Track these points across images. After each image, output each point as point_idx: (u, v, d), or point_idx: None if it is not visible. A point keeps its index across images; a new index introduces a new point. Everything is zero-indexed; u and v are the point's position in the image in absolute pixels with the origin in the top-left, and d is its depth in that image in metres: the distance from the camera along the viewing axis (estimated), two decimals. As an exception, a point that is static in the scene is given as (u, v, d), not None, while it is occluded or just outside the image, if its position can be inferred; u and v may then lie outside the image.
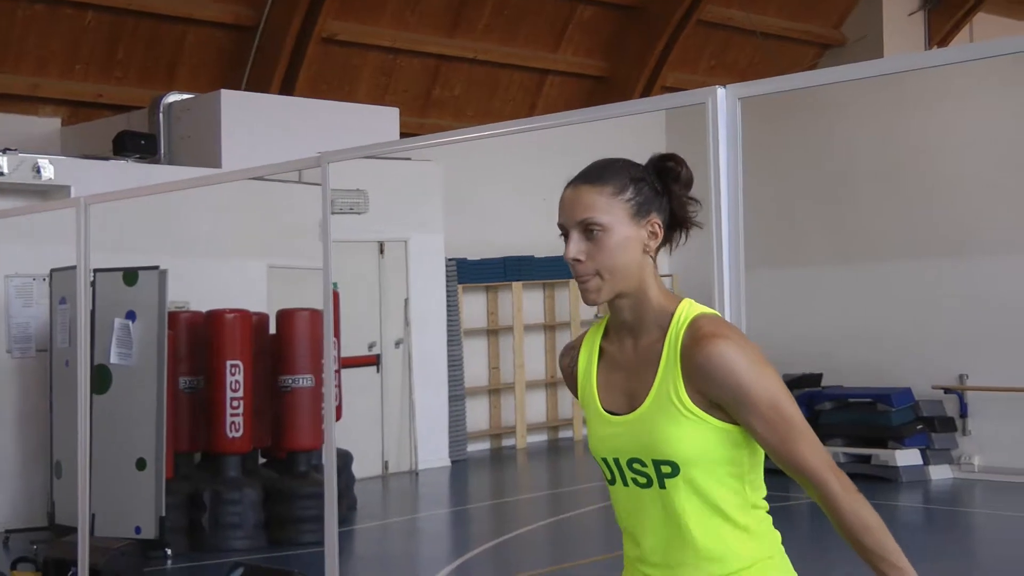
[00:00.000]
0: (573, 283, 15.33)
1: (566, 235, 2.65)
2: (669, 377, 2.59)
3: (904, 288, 12.94)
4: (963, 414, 12.29)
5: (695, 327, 2.59)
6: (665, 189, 2.67)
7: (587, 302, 2.67)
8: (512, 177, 14.81)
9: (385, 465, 12.86)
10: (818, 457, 2.54)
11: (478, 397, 14.68)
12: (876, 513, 2.54)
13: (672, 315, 2.63)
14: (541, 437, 15.30)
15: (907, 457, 11.87)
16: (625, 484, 2.69)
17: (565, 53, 16.23)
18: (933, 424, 12.09)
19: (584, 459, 14.69)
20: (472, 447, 14.19)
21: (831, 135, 13.96)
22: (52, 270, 9.70)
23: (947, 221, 12.76)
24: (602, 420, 2.69)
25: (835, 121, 13.84)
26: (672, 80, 16.73)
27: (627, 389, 2.67)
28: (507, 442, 14.90)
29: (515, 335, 14.80)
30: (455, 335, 13.77)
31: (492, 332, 14.93)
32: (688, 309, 2.64)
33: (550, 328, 15.47)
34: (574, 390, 2.83)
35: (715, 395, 2.55)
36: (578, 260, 2.62)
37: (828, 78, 4.34)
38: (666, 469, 2.59)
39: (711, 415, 2.56)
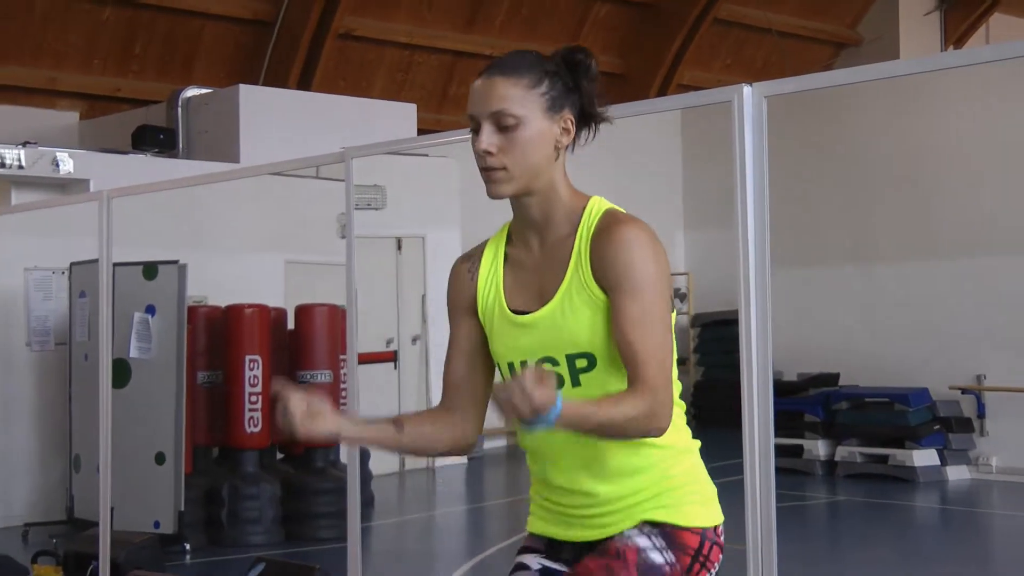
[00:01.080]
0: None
1: (476, 127, 2.59)
2: (581, 267, 2.54)
3: (922, 288, 12.92)
4: (980, 414, 12.25)
5: (609, 215, 2.57)
6: (576, 84, 2.61)
7: (492, 195, 2.60)
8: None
9: (402, 462, 12.86)
10: (656, 364, 2.43)
11: (494, 394, 14.66)
12: (620, 426, 2.40)
13: (583, 210, 2.59)
14: (556, 434, 15.28)
15: (924, 457, 11.84)
16: None
17: (582, 50, 16.21)
18: (950, 424, 12.05)
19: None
20: (488, 444, 14.19)
21: (848, 134, 13.94)
22: (72, 263, 9.72)
23: (965, 220, 12.73)
24: (509, 322, 2.63)
25: (852, 120, 13.81)
26: (688, 78, 16.71)
27: (536, 288, 2.61)
28: (523, 439, 14.87)
29: (531, 332, 14.77)
30: (472, 332, 13.75)
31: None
32: (599, 203, 2.61)
33: (566, 325, 15.44)
34: (465, 299, 2.72)
35: (605, 274, 2.50)
36: (489, 152, 2.56)
37: (854, 77, 4.34)
38: (581, 363, 2.54)
39: None
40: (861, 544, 9.39)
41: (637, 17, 16.36)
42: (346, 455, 6.99)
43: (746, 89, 4.02)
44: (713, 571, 2.63)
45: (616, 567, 2.55)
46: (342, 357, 9.73)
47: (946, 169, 13.05)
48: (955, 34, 18.18)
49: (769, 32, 16.87)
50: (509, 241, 2.72)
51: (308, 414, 2.63)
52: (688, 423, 2.73)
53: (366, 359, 11.55)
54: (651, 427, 2.43)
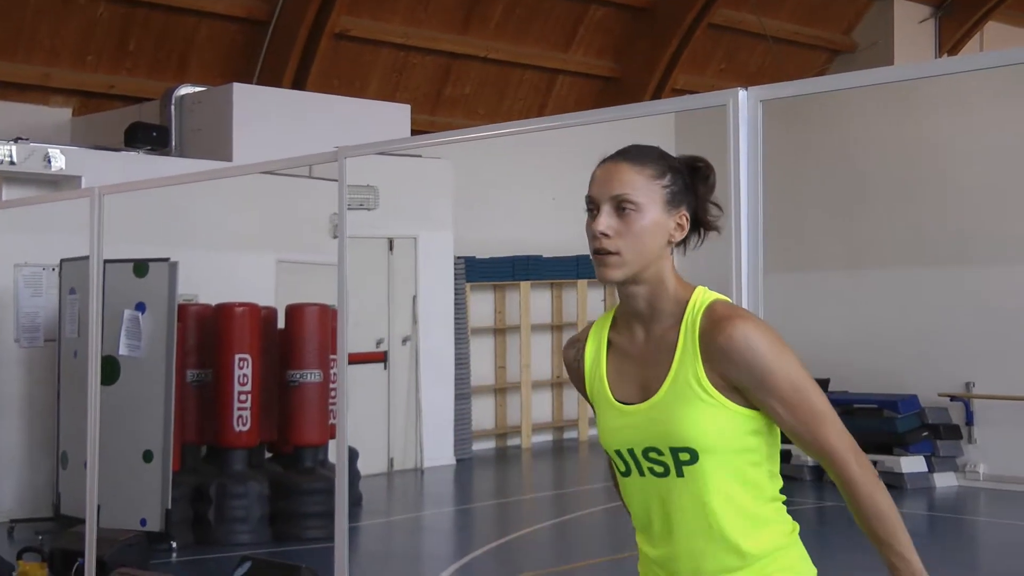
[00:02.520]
0: (581, 283, 15.39)
1: (595, 209, 2.60)
2: (687, 362, 2.55)
3: (912, 295, 12.93)
4: (969, 422, 12.27)
5: (712, 310, 2.57)
6: (692, 188, 2.65)
7: (604, 278, 2.61)
8: (522, 177, 14.81)
9: (390, 462, 12.85)
10: (840, 439, 2.53)
11: (484, 396, 14.67)
12: (892, 502, 2.52)
13: (687, 302, 2.61)
14: (546, 437, 15.29)
15: (912, 464, 11.86)
16: (641, 475, 2.64)
17: (576, 53, 16.22)
18: (939, 431, 12.07)
19: (589, 460, 14.68)
20: (477, 446, 14.19)
21: (842, 141, 13.95)
22: (62, 260, 9.70)
23: (956, 229, 12.75)
24: (615, 411, 2.65)
25: (846, 127, 13.82)
26: (682, 82, 16.73)
27: (640, 379, 2.63)
28: (512, 441, 14.90)
29: (522, 334, 14.78)
30: (462, 333, 13.77)
31: (499, 331, 14.93)
32: (703, 295, 2.62)
33: (557, 328, 15.46)
34: (580, 384, 2.78)
35: (735, 377, 2.52)
36: (605, 235, 2.56)
37: (850, 82, 4.34)
38: (684, 456, 2.55)
39: (730, 399, 2.53)
40: (849, 549, 9.38)
41: (632, 21, 16.37)
42: (334, 455, 6.98)
43: (742, 93, 4.02)
44: None
45: None
46: (332, 357, 9.72)
47: (938, 177, 13.06)
48: (950, 42, 18.21)
49: (764, 38, 16.88)
50: (614, 326, 2.74)
51: None
52: None
53: (356, 359, 11.54)
54: (872, 481, 2.53)
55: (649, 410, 2.58)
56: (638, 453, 2.62)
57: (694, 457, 2.54)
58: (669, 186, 2.60)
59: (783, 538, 2.62)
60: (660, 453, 2.58)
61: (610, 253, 2.57)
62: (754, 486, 2.58)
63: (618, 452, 2.66)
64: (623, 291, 2.65)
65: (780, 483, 2.66)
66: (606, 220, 2.57)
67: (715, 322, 2.54)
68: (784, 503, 2.67)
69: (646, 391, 2.60)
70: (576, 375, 2.79)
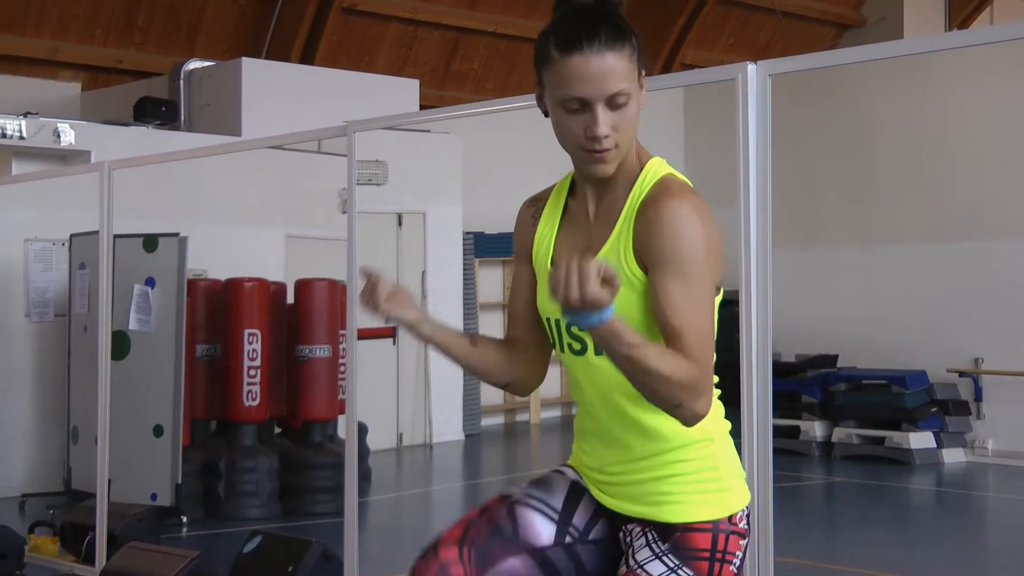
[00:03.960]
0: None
1: (581, 107, 2.38)
2: (623, 235, 2.42)
3: (921, 270, 12.92)
4: (978, 398, 12.27)
5: (662, 184, 2.43)
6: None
7: (602, 174, 2.45)
8: (531, 152, 14.75)
9: (400, 437, 12.88)
10: (701, 361, 2.28)
11: (492, 371, 14.67)
12: (676, 370, 2.26)
13: (640, 171, 2.46)
14: (555, 412, 15.31)
15: (921, 440, 11.86)
16: (561, 350, 2.55)
17: (585, 28, 16.17)
18: (947, 407, 12.07)
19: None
20: (486, 421, 14.21)
21: (851, 116, 13.92)
22: (72, 235, 9.71)
23: (966, 204, 12.73)
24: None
25: (855, 102, 13.78)
26: (691, 57, 16.67)
27: (584, 247, 2.49)
28: (521, 417, 14.91)
29: (530, 310, 14.77)
30: (471, 308, 13.78)
31: (508, 306, 14.92)
32: (658, 167, 2.48)
33: (565, 303, 15.45)
34: (525, 244, 2.65)
35: (647, 251, 2.36)
36: (606, 135, 2.39)
37: (859, 56, 4.32)
38: None
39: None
40: (857, 525, 9.41)
41: (641, -5, 16.32)
42: (344, 430, 6.99)
43: (751, 67, 4.01)
44: (736, 562, 2.49)
45: None
46: (341, 332, 9.73)
47: (948, 152, 13.03)
48: (959, 16, 18.11)
49: (773, 12, 16.82)
50: (571, 192, 2.61)
51: (394, 297, 2.61)
52: None
53: (365, 335, 11.53)
54: (686, 402, 2.27)
55: None
56: (562, 326, 2.51)
57: None
58: (635, 53, 2.40)
59: (705, 432, 2.46)
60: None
61: (609, 149, 2.41)
62: None
63: (547, 321, 2.56)
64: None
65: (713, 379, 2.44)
66: (606, 119, 2.38)
67: (657, 194, 2.40)
68: (719, 399, 2.50)
69: None
70: (526, 234, 2.66)
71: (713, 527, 2.48)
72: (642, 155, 2.50)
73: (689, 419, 2.32)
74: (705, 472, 2.49)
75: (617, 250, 2.42)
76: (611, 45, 2.35)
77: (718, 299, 2.44)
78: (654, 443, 2.48)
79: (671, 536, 2.48)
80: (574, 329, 2.46)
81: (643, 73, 2.44)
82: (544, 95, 2.48)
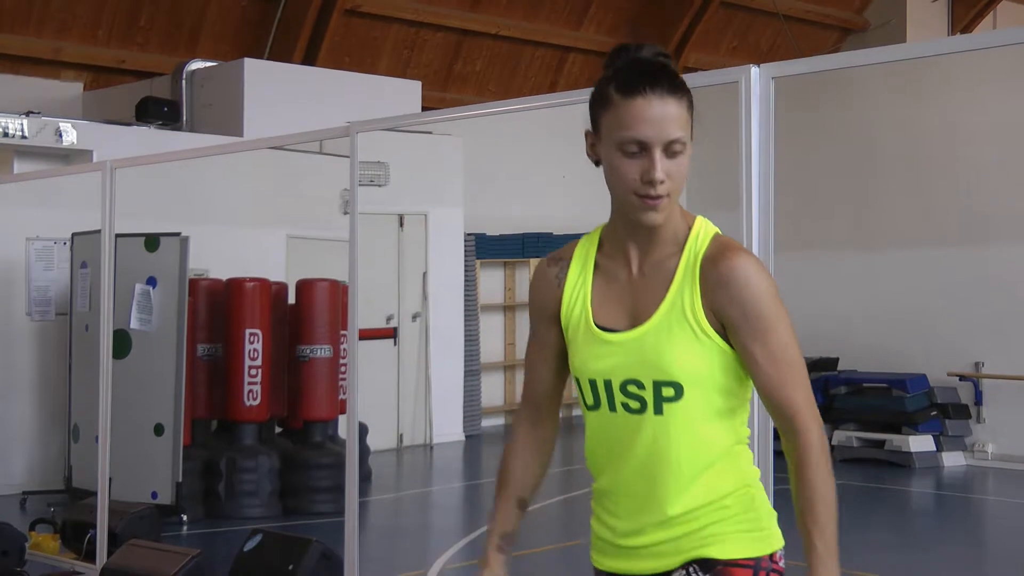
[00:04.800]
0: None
1: (645, 150, 2.40)
2: (684, 292, 2.43)
3: (922, 274, 12.93)
4: (978, 401, 12.28)
5: (720, 242, 2.46)
6: None
7: (652, 223, 2.44)
8: (532, 154, 14.80)
9: (400, 438, 12.89)
10: (809, 403, 2.44)
11: (493, 372, 14.70)
12: (834, 488, 2.44)
13: (690, 229, 2.48)
14: (554, 414, 15.30)
15: (920, 443, 11.87)
16: (612, 410, 2.52)
17: (587, 31, 16.18)
18: (947, 411, 12.09)
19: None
20: (486, 422, 14.22)
21: (853, 120, 13.92)
22: (74, 234, 9.72)
23: (967, 208, 12.73)
24: (595, 338, 2.51)
25: (856, 106, 13.79)
26: (693, 60, 16.69)
27: (627, 305, 2.49)
28: (521, 418, 14.90)
29: (531, 312, 14.79)
30: (472, 310, 13.79)
31: (509, 308, 14.94)
32: (707, 227, 2.50)
33: (566, 305, 15.47)
34: (548, 306, 2.62)
35: (728, 311, 2.40)
36: (662, 181, 2.40)
37: (862, 60, 4.33)
38: (668, 392, 2.43)
39: (721, 337, 2.42)
40: (857, 528, 9.42)
41: (644, -2, 16.34)
42: (345, 430, 7.00)
43: (754, 70, 4.02)
44: None
45: None
46: (342, 332, 9.75)
47: (949, 157, 13.04)
48: (963, 21, 18.14)
49: (776, 16, 16.83)
50: (601, 248, 2.58)
51: None
52: None
53: (366, 335, 11.56)
54: (827, 457, 2.45)
55: (636, 339, 2.46)
56: (615, 386, 2.50)
57: (679, 393, 2.43)
58: (691, 107, 2.46)
59: (745, 478, 2.54)
60: (641, 387, 2.46)
61: (663, 197, 2.42)
62: (728, 428, 2.49)
63: (592, 383, 2.54)
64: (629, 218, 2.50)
65: (747, 431, 2.57)
66: (663, 165, 2.40)
67: (721, 251, 2.43)
68: (748, 437, 2.59)
69: (635, 319, 2.48)
70: (548, 295, 2.62)
71: (755, 564, 2.51)
72: (686, 214, 2.53)
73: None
74: (746, 513, 2.53)
75: (681, 308, 2.44)
76: (673, 92, 2.41)
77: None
78: (701, 497, 2.50)
79: (713, 570, 2.49)
80: (632, 388, 2.48)
81: (691, 128, 2.48)
82: (598, 141, 2.50)
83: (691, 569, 2.50)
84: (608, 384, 2.51)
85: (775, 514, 2.59)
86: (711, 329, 2.43)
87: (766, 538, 2.53)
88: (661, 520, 2.50)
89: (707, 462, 2.47)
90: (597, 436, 2.57)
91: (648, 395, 2.46)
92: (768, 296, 2.41)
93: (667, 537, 2.50)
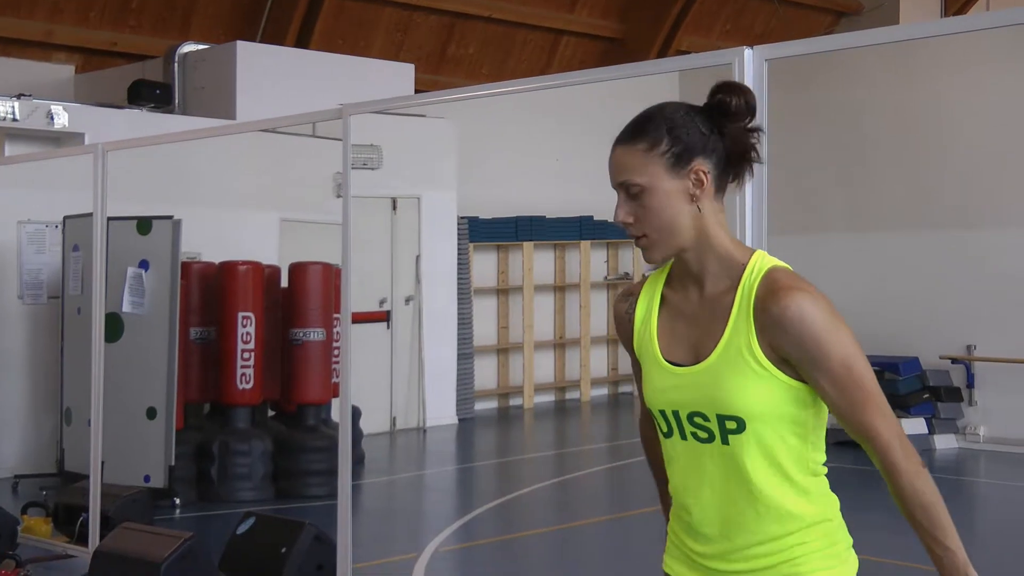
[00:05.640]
0: (584, 244, 15.39)
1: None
2: (741, 329, 2.47)
3: (914, 258, 12.93)
4: (970, 384, 12.30)
5: (771, 279, 2.48)
6: (716, 127, 2.52)
7: (648, 261, 2.58)
8: (526, 137, 14.79)
9: (393, 421, 12.90)
10: (886, 425, 2.48)
11: (486, 356, 14.71)
12: (936, 490, 2.48)
13: (745, 266, 2.51)
14: (548, 397, 15.34)
15: (913, 426, 11.89)
16: (683, 438, 2.58)
17: (580, 14, 16.15)
18: (939, 394, 12.11)
19: (591, 420, 14.73)
20: (480, 406, 14.23)
21: (846, 104, 13.90)
22: (65, 217, 9.70)
23: (959, 192, 12.73)
24: (662, 370, 2.58)
25: (850, 90, 13.77)
26: (687, 44, 16.65)
27: (691, 340, 2.55)
28: (514, 402, 14.94)
29: (524, 295, 14.80)
30: (465, 293, 13.78)
31: (502, 291, 14.94)
32: (762, 261, 2.52)
33: (560, 289, 15.48)
34: (627, 339, 2.71)
35: (787, 350, 2.44)
36: (627, 223, 2.54)
37: (855, 41, 4.32)
38: (731, 425, 2.49)
39: (781, 371, 2.46)
40: (849, 510, 9.42)
41: (637, -19, 16.29)
42: (338, 414, 7.00)
43: (747, 52, 4.01)
44: None
45: None
46: (335, 316, 9.74)
47: (941, 140, 13.03)
48: (956, 3, 18.10)
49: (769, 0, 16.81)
50: (669, 282, 2.66)
51: None
52: None
53: (359, 319, 11.51)
54: (916, 468, 2.50)
55: (698, 374, 2.52)
56: (683, 416, 2.56)
57: (741, 426, 2.48)
58: (668, 150, 2.50)
59: (824, 511, 2.58)
60: (706, 419, 2.52)
61: (639, 237, 2.54)
62: (798, 457, 2.53)
63: (662, 412, 2.60)
64: (676, 255, 2.59)
65: (824, 456, 2.61)
66: (623, 208, 2.54)
67: (772, 291, 2.46)
68: (826, 476, 2.62)
69: (697, 354, 2.53)
70: (624, 329, 2.71)
71: None
72: (741, 247, 2.58)
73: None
74: (827, 549, 2.57)
75: (738, 346, 2.49)
76: (623, 141, 2.54)
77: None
78: (783, 524, 2.53)
79: None
80: (698, 419, 2.54)
81: (693, 164, 2.51)
82: None
83: None
84: (676, 415, 2.57)
85: (851, 541, 2.64)
86: (771, 365, 2.47)
87: (846, 571, 2.59)
88: (738, 547, 2.55)
89: (782, 492, 2.52)
90: (675, 462, 2.63)
91: (714, 427, 2.52)
92: (824, 329, 2.45)
93: (746, 568, 2.55)
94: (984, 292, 12.23)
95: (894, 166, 13.32)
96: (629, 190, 2.52)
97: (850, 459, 11.83)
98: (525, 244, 14.76)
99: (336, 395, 9.44)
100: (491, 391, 14.79)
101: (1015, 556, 8.02)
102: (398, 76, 12.82)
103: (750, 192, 3.99)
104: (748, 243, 3.99)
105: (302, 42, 13.53)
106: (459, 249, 13.60)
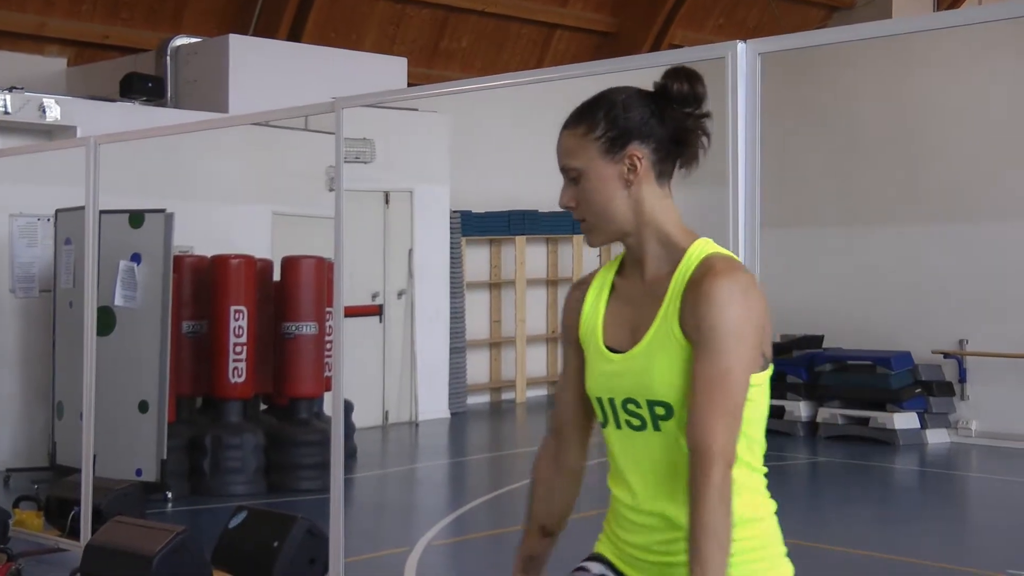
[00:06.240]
0: (576, 238, 15.39)
1: None
2: (671, 313, 2.43)
3: (907, 252, 12.95)
4: (962, 379, 12.32)
5: (707, 264, 2.43)
6: (659, 112, 2.52)
7: (589, 245, 2.62)
8: (518, 131, 14.77)
9: (385, 415, 12.89)
10: (725, 442, 2.33)
11: (479, 350, 14.70)
12: (730, 528, 2.32)
13: (686, 251, 2.48)
14: (541, 391, 15.33)
15: (905, 420, 11.92)
16: (618, 427, 2.53)
17: (574, 7, 16.14)
18: (931, 388, 12.12)
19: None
20: (472, 400, 14.22)
21: (838, 97, 13.92)
22: (57, 210, 9.68)
23: (952, 185, 12.75)
24: (601, 357, 2.54)
25: (842, 83, 13.79)
26: (680, 38, 16.64)
27: (632, 325, 2.52)
28: (507, 395, 14.94)
29: (517, 289, 14.80)
30: (457, 287, 13.78)
31: (494, 285, 14.94)
32: (704, 247, 2.49)
33: (552, 283, 15.48)
34: (571, 328, 2.65)
35: (692, 327, 2.38)
36: (570, 207, 2.56)
37: (848, 36, 4.32)
38: (660, 411, 2.44)
39: None
40: (841, 504, 9.45)
41: (630, -25, 16.28)
42: (330, 408, 7.00)
43: (740, 46, 4.00)
44: None
45: None
46: (328, 310, 9.73)
47: (933, 134, 13.05)
48: (947, -1, 18.13)
49: (762, -7, 16.80)
50: (620, 271, 2.64)
51: None
52: None
53: (352, 312, 11.55)
54: (727, 494, 2.33)
55: (631, 360, 2.48)
56: (618, 404, 2.52)
57: (669, 412, 2.43)
58: (603, 135, 2.51)
59: (756, 510, 2.49)
60: (638, 406, 2.47)
61: (581, 221, 2.57)
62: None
63: (599, 400, 2.56)
64: (623, 240, 2.58)
65: (759, 452, 2.52)
66: (565, 192, 2.56)
67: (704, 273, 2.41)
68: (765, 476, 2.54)
69: (634, 339, 2.50)
70: (571, 319, 2.67)
71: None
72: (686, 235, 2.54)
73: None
74: (755, 552, 2.49)
75: (668, 329, 2.44)
76: (566, 126, 2.59)
77: (766, 373, 2.50)
78: None
79: None
80: (631, 406, 2.49)
81: (627, 149, 2.50)
82: None
83: None
84: (612, 402, 2.53)
85: (785, 550, 2.56)
86: (688, 344, 2.41)
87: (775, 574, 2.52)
88: (670, 539, 2.49)
89: None
90: (614, 451, 2.59)
91: (645, 413, 2.48)
92: (734, 320, 2.36)
93: (676, 561, 2.47)
94: (976, 287, 12.25)
95: (887, 160, 13.33)
96: (570, 175, 2.55)
97: (842, 454, 11.87)
98: (518, 238, 14.76)
99: (328, 389, 9.44)
100: (483, 385, 14.79)
101: (1006, 550, 8.03)
102: (391, 69, 12.81)
103: (743, 185, 3.98)
104: (741, 237, 3.99)
105: (295, 35, 13.50)
106: (452, 243, 13.60)
